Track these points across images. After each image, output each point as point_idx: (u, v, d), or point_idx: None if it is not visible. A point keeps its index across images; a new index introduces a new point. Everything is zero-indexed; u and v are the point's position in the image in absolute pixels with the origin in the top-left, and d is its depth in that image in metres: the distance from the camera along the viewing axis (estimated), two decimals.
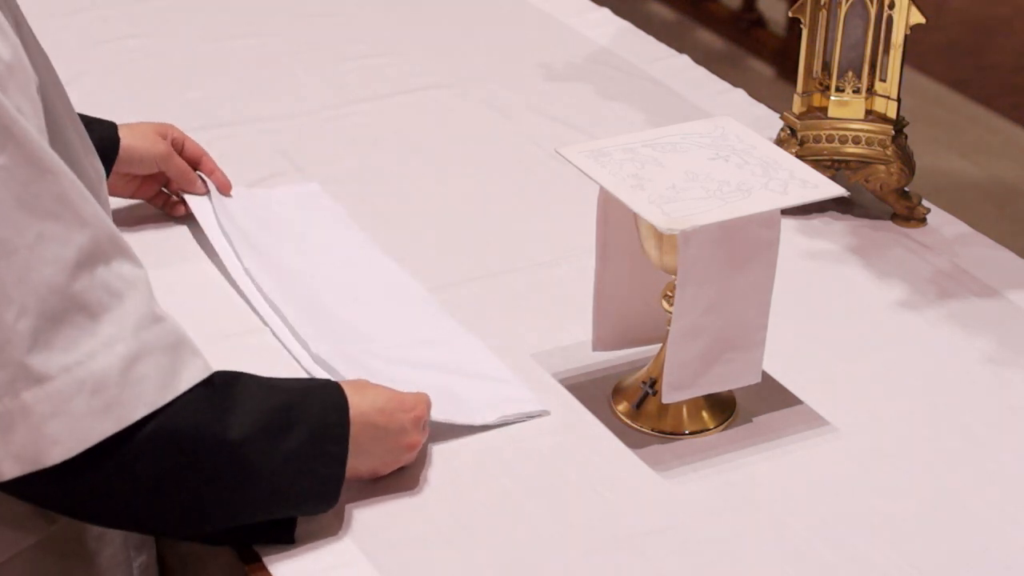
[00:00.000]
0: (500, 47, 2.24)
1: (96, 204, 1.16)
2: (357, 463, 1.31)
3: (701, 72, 2.18)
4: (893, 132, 1.79)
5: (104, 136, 1.67)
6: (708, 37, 4.52)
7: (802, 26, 1.79)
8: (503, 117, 2.03)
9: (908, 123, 1.81)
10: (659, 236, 1.37)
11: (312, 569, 1.29)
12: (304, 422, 1.26)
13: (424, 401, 1.37)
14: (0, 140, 1.10)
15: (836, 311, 1.65)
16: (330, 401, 1.29)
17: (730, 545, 1.32)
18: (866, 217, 1.81)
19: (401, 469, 1.38)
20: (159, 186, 1.77)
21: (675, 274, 1.38)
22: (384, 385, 1.36)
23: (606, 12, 2.37)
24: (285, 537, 1.30)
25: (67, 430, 1.12)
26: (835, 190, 1.40)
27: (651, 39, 2.29)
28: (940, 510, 1.36)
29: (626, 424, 1.46)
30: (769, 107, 2.06)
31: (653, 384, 1.45)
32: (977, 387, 1.53)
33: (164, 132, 1.74)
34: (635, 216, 1.39)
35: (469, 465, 1.40)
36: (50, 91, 1.23)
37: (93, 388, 1.12)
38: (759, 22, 4.45)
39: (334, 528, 1.33)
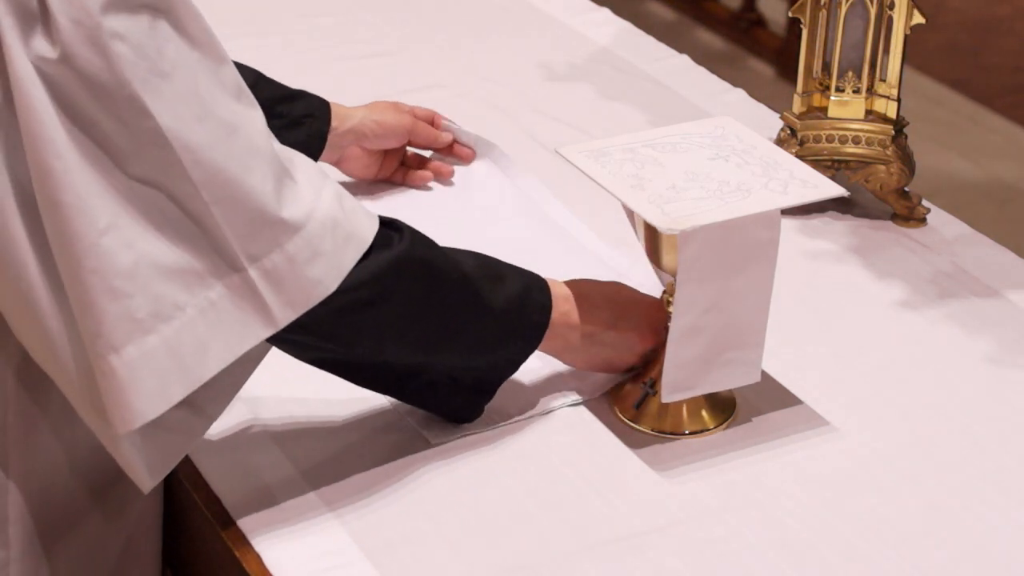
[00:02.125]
0: (500, 47, 2.24)
1: None
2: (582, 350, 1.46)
3: (701, 72, 2.18)
4: (893, 132, 1.79)
5: (313, 134, 1.76)
6: (708, 37, 4.52)
7: (802, 26, 1.79)
8: (503, 117, 2.03)
9: (908, 123, 1.81)
10: (659, 236, 1.37)
11: (312, 569, 1.29)
12: (513, 276, 1.40)
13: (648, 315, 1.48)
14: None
15: (836, 311, 1.65)
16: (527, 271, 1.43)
17: (730, 545, 1.32)
18: (866, 217, 1.81)
19: (401, 469, 1.38)
20: (398, 162, 1.85)
21: (675, 274, 1.38)
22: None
23: (606, 12, 2.37)
24: (474, 414, 1.43)
25: (325, 267, 1.24)
26: (835, 190, 1.40)
27: (651, 39, 2.29)
28: (940, 510, 1.36)
29: (626, 424, 1.46)
30: (769, 107, 2.06)
31: (653, 384, 1.45)
32: (977, 387, 1.53)
33: (399, 106, 1.83)
34: (635, 216, 1.39)
35: (469, 465, 1.40)
36: None
37: (332, 225, 1.25)
38: (759, 22, 4.45)
39: (334, 528, 1.33)
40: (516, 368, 1.42)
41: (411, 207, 1.80)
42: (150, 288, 1.18)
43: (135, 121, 1.16)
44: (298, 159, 1.27)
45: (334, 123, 1.76)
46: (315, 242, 1.23)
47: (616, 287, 1.48)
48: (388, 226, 1.31)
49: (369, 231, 1.28)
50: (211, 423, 1.31)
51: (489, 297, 1.37)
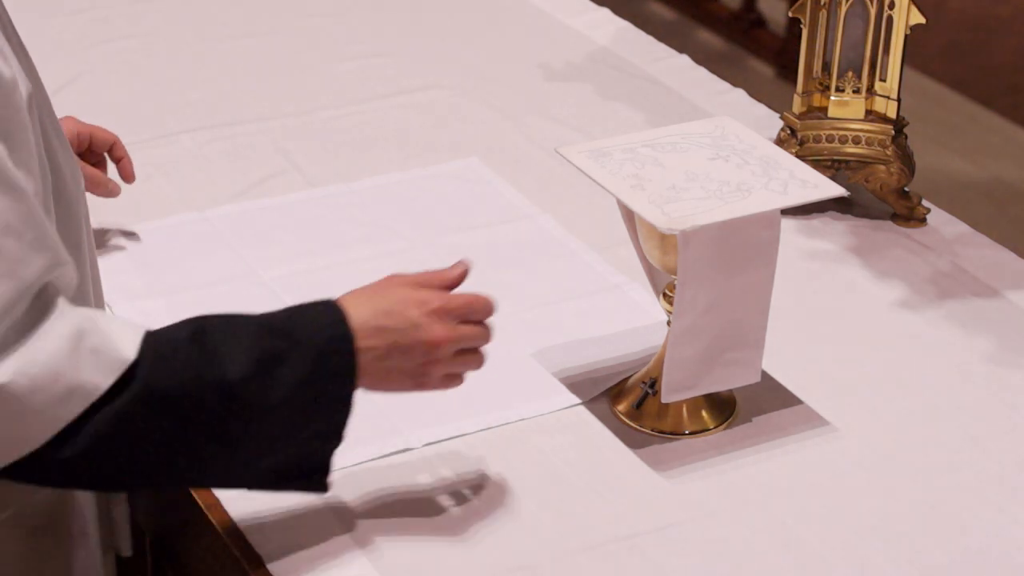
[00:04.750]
0: (500, 47, 2.24)
1: None
2: (379, 381, 1.25)
3: (701, 72, 2.18)
4: (893, 132, 1.79)
5: None
6: (708, 37, 4.52)
7: (802, 26, 1.79)
8: (503, 117, 2.03)
9: (908, 123, 1.81)
10: (659, 236, 1.37)
11: (312, 569, 1.29)
12: (300, 347, 1.21)
13: (440, 298, 1.26)
14: None
15: (836, 311, 1.65)
16: (324, 319, 1.23)
17: (730, 545, 1.32)
18: (866, 217, 1.81)
19: (400, 469, 1.38)
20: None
21: (675, 274, 1.38)
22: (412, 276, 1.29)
23: (606, 12, 2.37)
24: (319, 485, 1.26)
25: (32, 424, 1.14)
26: (835, 190, 1.40)
27: (651, 39, 2.29)
28: (940, 510, 1.36)
29: (626, 424, 1.46)
30: (769, 107, 2.06)
31: (653, 384, 1.45)
32: (977, 387, 1.53)
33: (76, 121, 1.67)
34: (635, 216, 1.39)
35: (469, 465, 1.40)
36: (35, 97, 1.23)
37: (51, 379, 1.13)
38: (759, 22, 4.45)
39: (334, 528, 1.33)
40: (339, 439, 1.25)
41: (406, 214, 1.80)
42: None
43: None
44: (58, 292, 1.17)
45: None
46: (21, 399, 1.13)
47: (381, 300, 1.26)
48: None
49: (103, 379, 1.16)
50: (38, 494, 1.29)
51: (268, 395, 1.20)
